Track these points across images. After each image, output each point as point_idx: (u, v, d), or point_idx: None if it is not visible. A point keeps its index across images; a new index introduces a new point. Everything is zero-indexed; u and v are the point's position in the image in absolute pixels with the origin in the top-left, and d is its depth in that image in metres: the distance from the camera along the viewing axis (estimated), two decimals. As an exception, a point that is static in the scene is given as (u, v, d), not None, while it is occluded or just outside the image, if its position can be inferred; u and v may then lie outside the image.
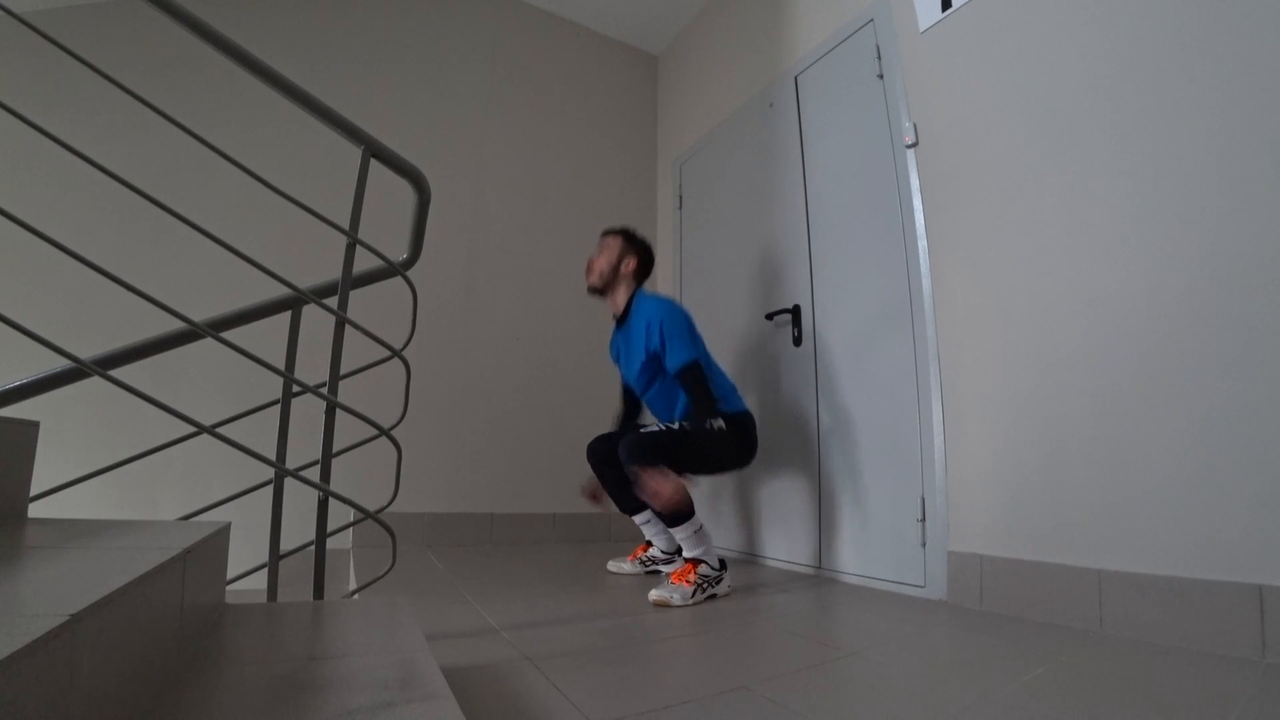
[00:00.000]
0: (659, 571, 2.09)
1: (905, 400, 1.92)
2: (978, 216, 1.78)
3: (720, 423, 1.85)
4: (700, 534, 1.80)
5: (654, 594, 1.67)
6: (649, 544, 2.15)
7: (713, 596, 1.75)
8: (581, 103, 3.44)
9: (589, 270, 2.10)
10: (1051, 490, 1.55)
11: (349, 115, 1.23)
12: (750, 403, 2.57)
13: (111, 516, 1.04)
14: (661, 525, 2.07)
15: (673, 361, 1.88)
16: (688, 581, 1.71)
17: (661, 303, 1.98)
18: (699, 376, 1.85)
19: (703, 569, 1.75)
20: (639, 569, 2.12)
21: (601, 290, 2.08)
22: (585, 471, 3.01)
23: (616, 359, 2.20)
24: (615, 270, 2.05)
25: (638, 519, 2.10)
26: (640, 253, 2.08)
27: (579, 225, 3.26)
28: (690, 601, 1.67)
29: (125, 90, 0.99)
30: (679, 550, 2.11)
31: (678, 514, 1.77)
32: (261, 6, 2.71)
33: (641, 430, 1.85)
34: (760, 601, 1.76)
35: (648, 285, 2.14)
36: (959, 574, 1.70)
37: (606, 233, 2.14)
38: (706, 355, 2.02)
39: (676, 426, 1.86)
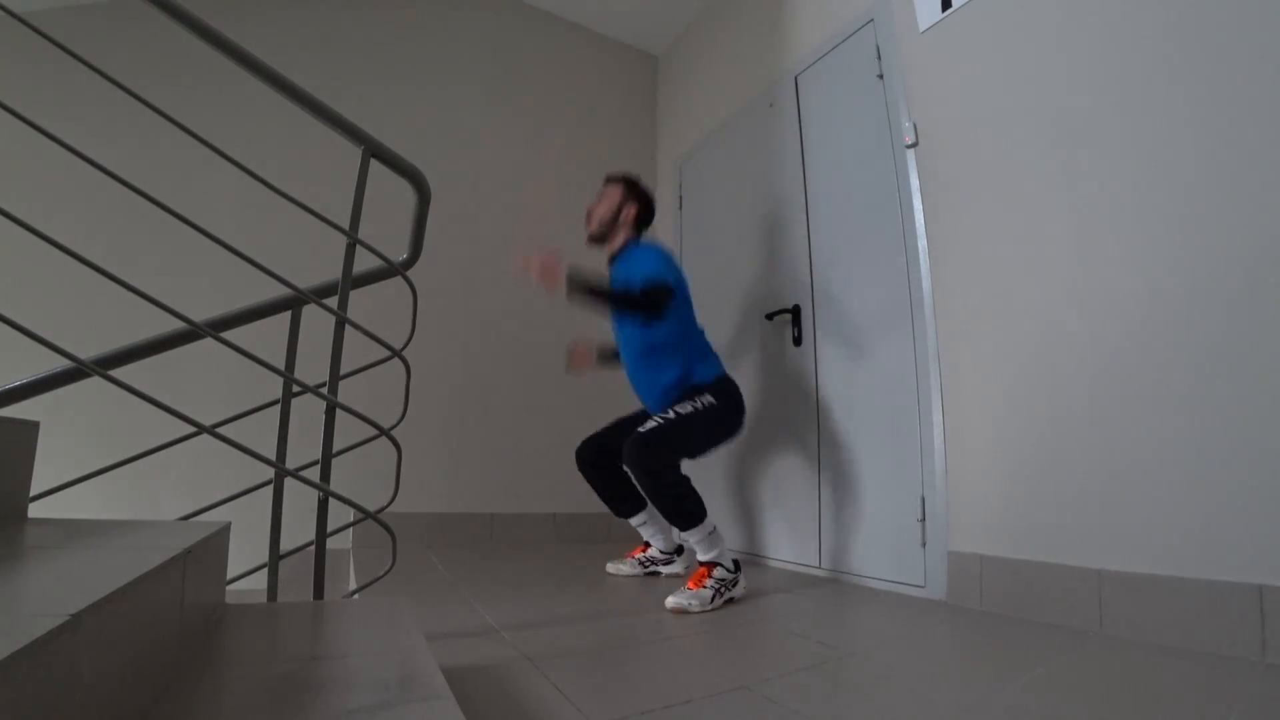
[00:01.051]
0: (658, 572, 2.08)
1: (905, 400, 1.92)
2: (978, 216, 1.78)
3: (709, 397, 1.82)
4: (714, 536, 1.74)
5: (671, 601, 1.58)
6: (646, 545, 2.14)
7: (730, 600, 1.69)
8: (581, 103, 3.44)
9: (589, 218, 2.03)
10: (1051, 490, 1.55)
11: (349, 115, 1.23)
12: (750, 403, 2.58)
13: (111, 516, 1.04)
14: (659, 525, 2.06)
15: (640, 276, 1.80)
16: (705, 586, 1.64)
17: (654, 248, 1.93)
18: (660, 293, 1.76)
19: (719, 572, 1.68)
20: (638, 569, 2.09)
21: (601, 238, 2.02)
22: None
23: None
24: (615, 218, 1.99)
25: (634, 521, 2.07)
26: (641, 201, 2.02)
27: (579, 225, 3.26)
28: (710, 607, 1.60)
29: (125, 90, 0.99)
30: (678, 549, 2.11)
31: (691, 518, 1.72)
32: (262, 6, 2.71)
33: (639, 430, 1.78)
34: (760, 602, 1.76)
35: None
36: (959, 574, 1.70)
37: (609, 180, 2.07)
38: (688, 305, 1.95)
39: (671, 416, 1.79)
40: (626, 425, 1.97)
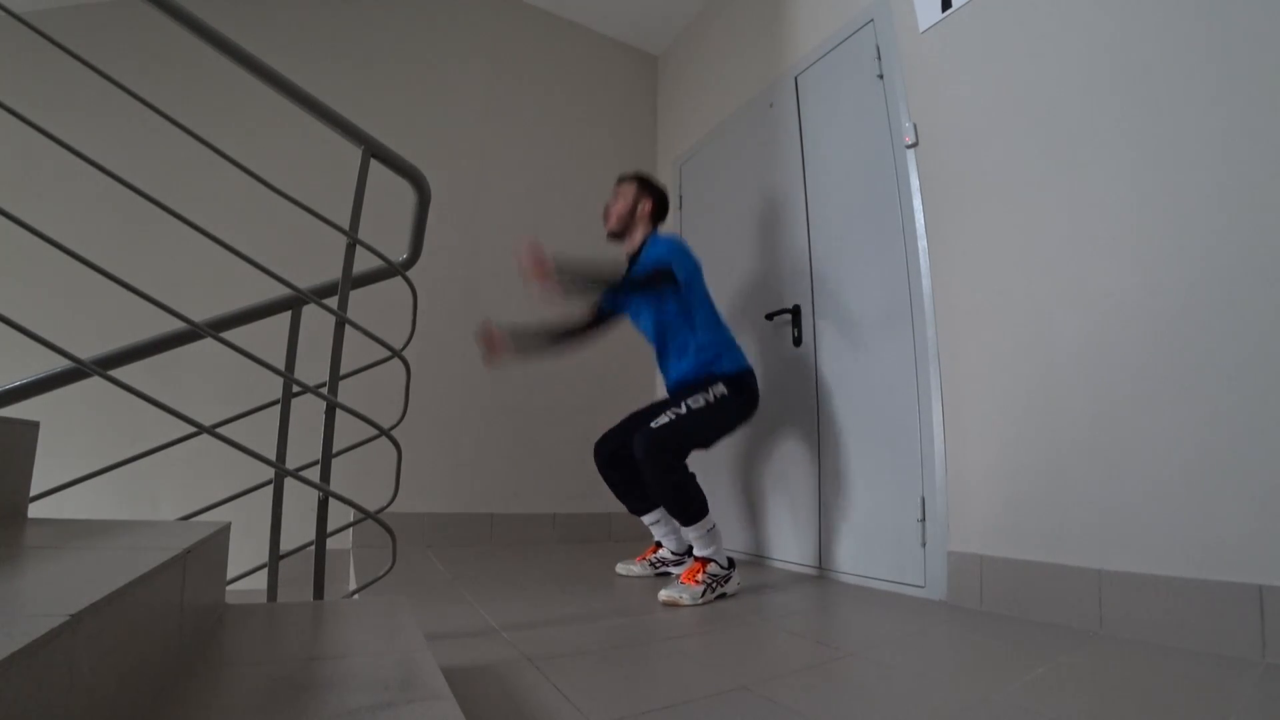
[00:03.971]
0: (669, 573, 2.08)
1: (905, 400, 1.92)
2: (978, 216, 1.78)
3: (721, 388, 1.86)
4: (713, 533, 1.80)
5: (664, 594, 1.68)
6: (658, 545, 2.14)
7: (722, 595, 1.76)
8: (581, 103, 3.44)
9: (606, 216, 2.13)
10: (1051, 490, 1.55)
11: (349, 115, 1.23)
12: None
13: (111, 516, 1.04)
14: (672, 525, 2.08)
15: (649, 260, 1.91)
16: (696, 581, 1.71)
17: (669, 238, 2.02)
18: (657, 274, 1.85)
19: (711, 568, 1.76)
20: (649, 570, 2.10)
21: (620, 234, 2.12)
22: (584, 472, 3.02)
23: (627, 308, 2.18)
24: (632, 213, 2.09)
25: (647, 519, 2.09)
26: (655, 195, 2.13)
27: (579, 225, 3.26)
28: (700, 601, 1.67)
29: (125, 90, 0.99)
30: (689, 550, 2.11)
31: (693, 513, 1.78)
32: (261, 7, 2.71)
33: (651, 425, 1.80)
34: (761, 602, 1.76)
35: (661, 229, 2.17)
36: (959, 574, 1.70)
37: (621, 179, 2.17)
38: (705, 298, 2.01)
39: (683, 410, 1.81)
40: (641, 419, 2.01)
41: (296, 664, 0.72)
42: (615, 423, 2.13)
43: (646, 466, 1.75)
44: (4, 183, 2.25)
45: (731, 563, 1.84)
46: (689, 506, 1.77)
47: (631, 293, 1.87)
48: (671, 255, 1.92)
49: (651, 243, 2.04)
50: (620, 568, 2.13)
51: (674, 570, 2.08)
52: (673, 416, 1.80)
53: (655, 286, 1.86)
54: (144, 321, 1.22)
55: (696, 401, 1.83)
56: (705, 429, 1.87)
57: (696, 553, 1.81)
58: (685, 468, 1.80)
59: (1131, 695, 1.02)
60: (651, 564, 2.11)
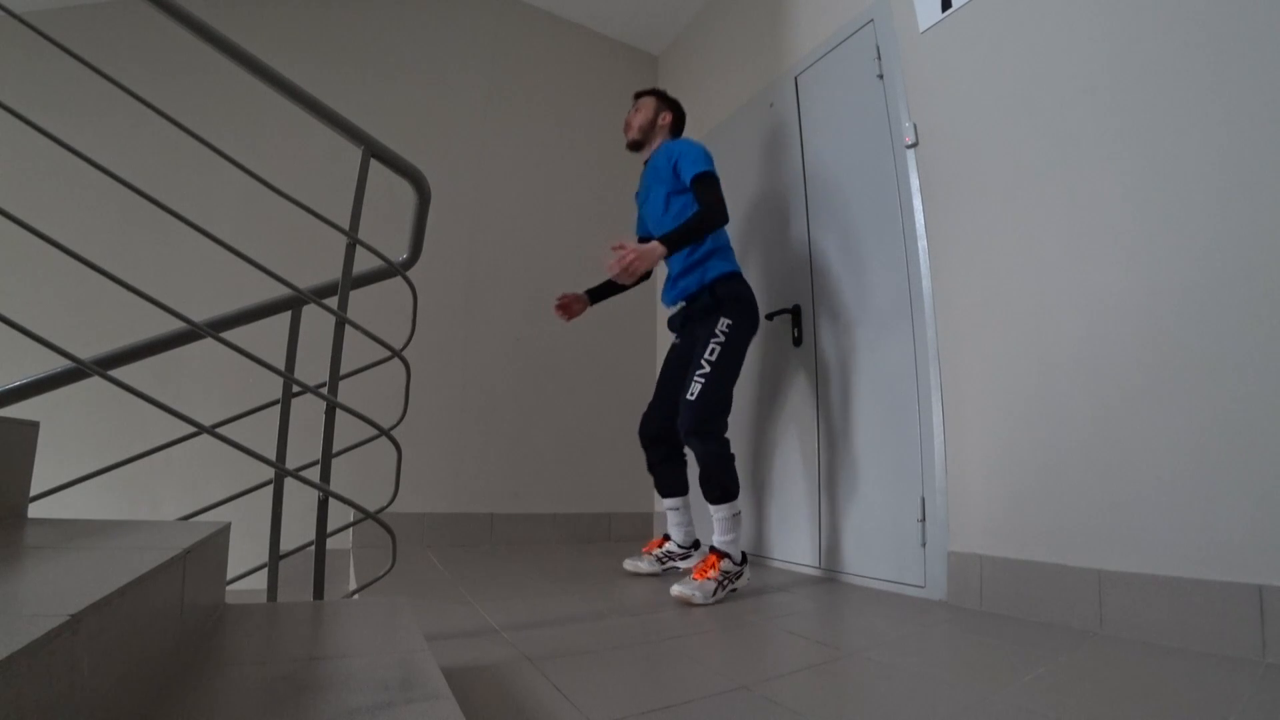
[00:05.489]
0: (676, 568, 2.09)
1: (905, 400, 1.92)
2: (978, 216, 1.78)
3: (726, 321, 1.89)
4: (736, 519, 1.81)
5: (676, 590, 1.65)
6: (665, 539, 2.15)
7: (734, 591, 1.75)
8: (581, 103, 3.44)
9: (627, 127, 2.19)
10: (1051, 490, 1.55)
11: (349, 115, 1.23)
12: (750, 403, 2.59)
13: (111, 516, 1.04)
14: (686, 517, 2.12)
15: (688, 172, 1.93)
16: (709, 577, 1.69)
17: (693, 141, 2.04)
18: (714, 184, 1.89)
19: (724, 564, 1.73)
20: (656, 566, 2.09)
21: (640, 144, 2.18)
22: (584, 472, 3.03)
23: (640, 200, 2.24)
24: (653, 124, 2.15)
25: (668, 502, 2.13)
26: (674, 108, 2.20)
27: (579, 225, 3.27)
28: (711, 600, 1.65)
29: (125, 90, 0.99)
30: (695, 544, 2.14)
31: (727, 492, 1.80)
32: (262, 7, 2.71)
33: (687, 398, 1.82)
34: (760, 602, 1.76)
35: None
36: (959, 574, 1.70)
37: (639, 94, 2.23)
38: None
39: (706, 369, 1.83)
40: (671, 390, 2.06)
41: (296, 664, 0.72)
42: (647, 404, 2.17)
43: (694, 442, 1.79)
44: (4, 183, 2.25)
45: (745, 558, 1.82)
46: (725, 484, 1.79)
47: (705, 226, 1.85)
48: (694, 153, 1.95)
49: (671, 144, 2.05)
50: (628, 564, 2.12)
51: (680, 565, 2.09)
52: (702, 381, 1.83)
53: (720, 203, 1.87)
54: (144, 321, 1.22)
55: (712, 353, 1.86)
56: (730, 369, 1.88)
57: (715, 539, 1.79)
58: (728, 443, 1.84)
59: (1132, 695, 1.02)
60: (659, 559, 2.11)
